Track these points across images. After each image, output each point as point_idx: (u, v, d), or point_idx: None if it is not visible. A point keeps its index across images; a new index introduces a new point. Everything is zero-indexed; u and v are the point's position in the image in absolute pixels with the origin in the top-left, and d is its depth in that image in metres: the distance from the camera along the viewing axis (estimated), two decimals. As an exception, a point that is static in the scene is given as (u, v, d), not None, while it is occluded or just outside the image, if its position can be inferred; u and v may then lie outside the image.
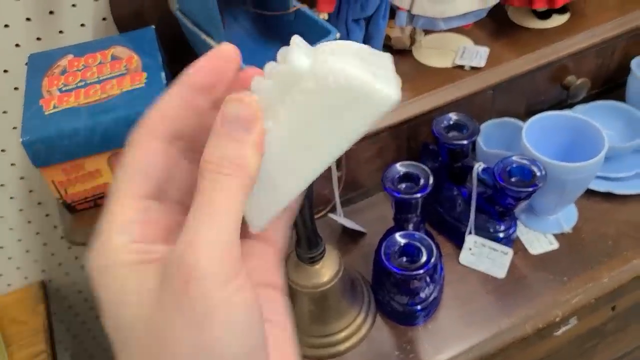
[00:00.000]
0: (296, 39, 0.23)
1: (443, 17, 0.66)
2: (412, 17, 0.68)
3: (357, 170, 0.73)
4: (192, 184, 0.22)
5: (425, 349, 0.62)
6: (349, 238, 0.74)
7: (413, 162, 0.63)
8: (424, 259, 0.56)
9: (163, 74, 0.59)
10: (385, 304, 0.64)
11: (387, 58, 0.24)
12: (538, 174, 0.60)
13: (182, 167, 0.23)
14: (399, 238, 0.58)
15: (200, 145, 0.22)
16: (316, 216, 0.74)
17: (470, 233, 0.68)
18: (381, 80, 0.22)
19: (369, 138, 0.70)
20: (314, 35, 0.59)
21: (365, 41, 0.69)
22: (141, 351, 0.20)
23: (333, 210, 0.73)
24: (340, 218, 0.72)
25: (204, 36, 0.59)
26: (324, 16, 0.63)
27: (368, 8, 0.63)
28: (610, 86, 0.85)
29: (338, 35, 0.59)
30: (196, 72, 0.23)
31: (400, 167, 0.62)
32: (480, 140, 0.73)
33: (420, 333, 0.63)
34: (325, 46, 0.23)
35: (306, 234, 0.55)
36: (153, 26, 0.66)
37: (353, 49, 0.23)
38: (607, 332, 0.78)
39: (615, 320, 0.77)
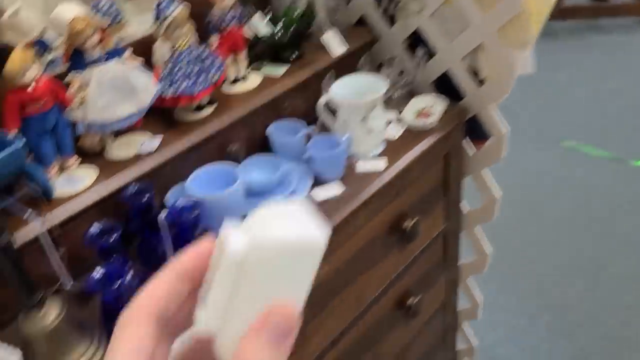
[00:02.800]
0: (227, 226, 0.27)
1: (110, 121, 0.93)
2: (88, 126, 0.93)
3: (78, 246, 0.92)
4: None
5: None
6: (84, 300, 0.91)
7: (103, 221, 0.85)
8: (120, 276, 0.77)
9: None
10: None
11: (304, 203, 0.28)
12: (194, 203, 0.87)
13: (162, 349, 0.26)
14: (99, 268, 0.78)
15: (176, 328, 0.26)
16: (50, 290, 0.91)
17: (172, 265, 0.91)
18: (308, 229, 0.27)
19: (79, 218, 0.91)
20: (5, 148, 0.80)
21: (58, 146, 0.91)
22: None
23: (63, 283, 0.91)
24: (68, 285, 0.89)
25: None
26: (14, 132, 0.84)
27: (47, 124, 0.87)
28: (264, 147, 1.19)
29: (21, 144, 0.81)
30: (186, 259, 0.27)
31: (94, 228, 0.84)
32: (170, 201, 0.99)
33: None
34: (254, 217, 0.27)
35: (23, 283, 0.72)
36: None
37: (277, 210, 0.27)
38: (305, 316, 1.05)
39: (307, 306, 1.04)
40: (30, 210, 0.85)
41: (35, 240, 0.85)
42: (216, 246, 0.27)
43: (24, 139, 0.82)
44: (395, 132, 1.21)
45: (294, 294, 0.27)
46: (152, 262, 0.94)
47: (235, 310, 0.26)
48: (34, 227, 0.84)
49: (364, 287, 1.19)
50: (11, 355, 0.63)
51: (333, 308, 1.11)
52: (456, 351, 1.77)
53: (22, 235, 0.83)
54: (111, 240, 0.81)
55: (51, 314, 0.76)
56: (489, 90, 1.23)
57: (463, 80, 1.26)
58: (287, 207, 0.27)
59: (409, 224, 1.20)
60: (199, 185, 0.93)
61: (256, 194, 1.04)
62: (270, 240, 0.26)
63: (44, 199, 0.88)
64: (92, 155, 1.01)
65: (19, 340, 0.77)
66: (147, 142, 1.02)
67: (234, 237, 0.26)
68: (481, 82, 1.26)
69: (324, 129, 1.17)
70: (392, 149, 1.17)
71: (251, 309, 0.26)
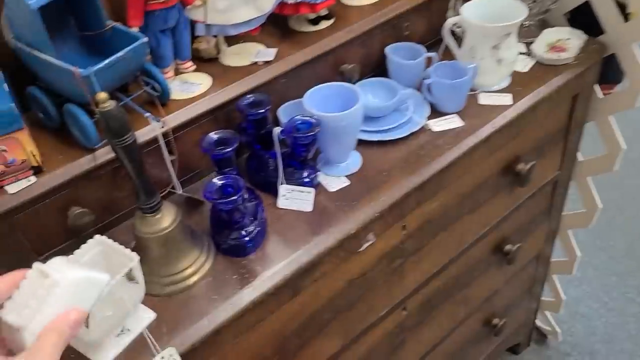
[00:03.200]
0: (37, 266, 0.46)
1: (230, 24, 0.87)
2: (208, 27, 0.88)
3: (188, 154, 0.90)
4: None
5: (257, 270, 0.79)
6: (191, 208, 0.90)
7: (223, 130, 0.81)
8: (235, 191, 0.74)
9: (5, 85, 0.73)
10: (222, 244, 0.81)
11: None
12: (314, 122, 0.82)
13: None
14: (216, 180, 0.75)
15: None
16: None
17: (282, 184, 0.88)
18: (93, 273, 0.49)
19: (193, 125, 0.88)
20: (129, 43, 0.77)
21: (175, 48, 0.88)
22: None
23: (174, 189, 0.90)
24: (179, 191, 0.88)
25: (37, 53, 0.75)
26: (135, 29, 0.81)
27: (169, 21, 0.82)
28: (379, 70, 1.12)
29: (146, 39, 0.77)
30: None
31: (213, 135, 0.81)
32: (280, 116, 0.94)
33: (252, 261, 0.81)
34: (58, 264, 0.48)
35: (142, 185, 0.71)
36: (-8, 55, 0.80)
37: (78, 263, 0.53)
38: (407, 251, 1.01)
39: (411, 240, 1.00)
40: (148, 111, 0.83)
41: (152, 142, 0.83)
42: (32, 274, 0.46)
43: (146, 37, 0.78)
44: (523, 65, 1.10)
45: (82, 307, 0.47)
46: (259, 178, 0.91)
47: (41, 314, 0.44)
48: (153, 128, 0.82)
49: (467, 227, 1.13)
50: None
51: (433, 246, 1.06)
52: (539, 302, 1.70)
53: (140, 136, 0.82)
54: (229, 151, 0.78)
55: (166, 219, 0.75)
56: (634, 27, 1.09)
57: (607, 13, 1.11)
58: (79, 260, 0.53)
59: (523, 167, 1.12)
60: (315, 103, 0.88)
61: (370, 119, 0.98)
62: (74, 274, 0.47)
63: (160, 101, 0.85)
64: (206, 61, 0.97)
65: (133, 239, 0.77)
66: (262, 51, 0.97)
67: (52, 269, 0.46)
68: (626, 18, 1.11)
69: (447, 55, 1.08)
70: (519, 84, 1.06)
71: (52, 314, 0.45)
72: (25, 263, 0.53)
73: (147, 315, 0.70)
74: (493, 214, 1.18)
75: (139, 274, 0.60)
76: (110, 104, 0.63)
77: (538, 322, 1.80)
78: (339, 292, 0.92)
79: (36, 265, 0.46)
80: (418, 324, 1.19)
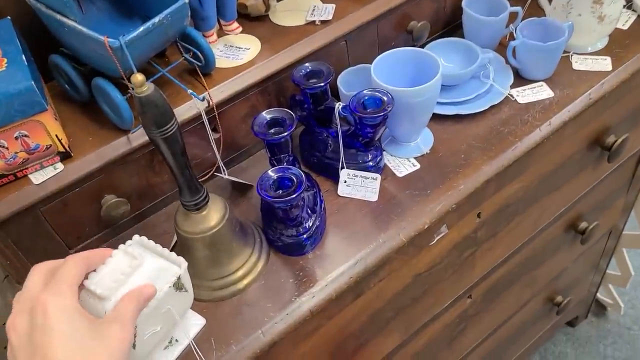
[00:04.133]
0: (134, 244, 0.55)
1: (285, -24, 0.73)
2: (257, -20, 0.74)
3: (234, 130, 0.79)
4: None
5: (316, 273, 0.69)
6: (238, 193, 0.79)
7: (277, 108, 0.69)
8: (295, 186, 0.62)
9: (24, 57, 0.61)
10: (275, 241, 0.70)
11: None
12: (386, 99, 0.69)
13: None
14: (271, 173, 0.64)
15: None
16: (202, 179, 0.79)
17: (342, 167, 0.76)
18: (168, 262, 0.55)
19: (240, 98, 0.76)
20: (168, 5, 0.64)
21: (218, 6, 0.74)
22: None
23: (218, 171, 0.78)
24: (224, 175, 0.77)
25: (59, 17, 0.62)
26: (174, -14, 0.67)
27: (213, -25, 0.69)
28: (450, 27, 0.96)
29: (187, 0, 0.64)
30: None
31: (266, 114, 0.68)
32: (340, 86, 0.81)
33: (310, 260, 0.70)
34: (137, 248, 0.55)
35: (185, 182, 0.60)
36: (9, 17, 0.68)
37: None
38: (480, 239, 0.89)
39: (485, 228, 0.88)
40: (189, 86, 0.71)
41: (194, 119, 0.72)
42: (118, 253, 0.52)
43: (187, -4, 0.65)
44: (623, 21, 0.93)
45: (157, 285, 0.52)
46: (314, 158, 0.79)
47: (123, 289, 0.50)
48: (194, 104, 0.70)
49: (545, 208, 0.99)
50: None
51: (508, 231, 0.94)
52: (604, 276, 1.58)
53: (179, 114, 0.70)
54: (285, 135, 0.66)
55: (214, 216, 0.64)
56: None
57: None
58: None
59: (612, 140, 0.97)
60: (382, 72, 0.74)
61: (442, 88, 0.84)
62: (152, 259, 0.54)
63: (202, 71, 0.73)
64: (253, 20, 0.83)
65: (174, 229, 0.67)
66: (319, 7, 0.82)
67: (136, 252, 0.53)
68: None
69: (534, 9, 0.91)
70: (619, 44, 0.90)
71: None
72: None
73: (197, 322, 0.64)
74: (573, 192, 1.04)
75: (187, 282, 0.57)
76: (149, 88, 0.51)
77: (599, 295, 1.68)
78: (403, 289, 0.81)
79: (122, 246, 0.52)
80: (480, 311, 1.08)
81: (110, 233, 0.74)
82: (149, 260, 0.54)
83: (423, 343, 0.98)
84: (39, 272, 0.46)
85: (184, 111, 0.70)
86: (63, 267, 0.46)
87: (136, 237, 0.56)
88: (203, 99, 0.70)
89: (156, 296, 0.52)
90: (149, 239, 0.56)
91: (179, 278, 0.55)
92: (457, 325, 1.04)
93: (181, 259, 0.55)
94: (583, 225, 1.14)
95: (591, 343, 1.67)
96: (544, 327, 1.47)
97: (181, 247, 0.67)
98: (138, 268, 0.52)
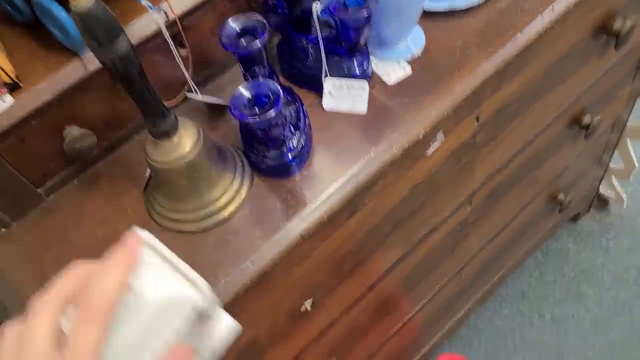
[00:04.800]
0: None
1: None
2: None
3: (204, 45, 0.71)
4: None
5: (305, 195, 0.64)
6: (214, 114, 0.73)
7: (246, 14, 0.61)
8: (272, 102, 0.56)
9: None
10: (259, 164, 0.65)
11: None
12: (368, -3, 0.60)
13: None
14: (243, 89, 0.57)
15: None
16: (174, 102, 0.72)
17: (326, 76, 0.69)
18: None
19: (205, 6, 0.67)
20: None
21: None
22: None
23: (190, 92, 0.71)
24: (197, 95, 0.70)
25: None
26: None
27: None
28: None
29: None
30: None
31: (233, 23, 0.60)
32: (318, -15, 0.72)
33: (297, 182, 0.65)
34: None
35: (148, 107, 0.53)
36: None
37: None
38: (479, 144, 0.83)
39: (484, 131, 0.82)
40: (144, -5, 0.62)
41: (155, 35, 0.64)
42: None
43: None
44: None
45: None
46: (294, 70, 0.72)
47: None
48: (152, 17, 0.62)
49: (548, 105, 0.93)
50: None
51: (509, 133, 0.88)
52: (607, 169, 1.54)
53: (136, 30, 0.62)
54: (257, 46, 0.58)
55: (186, 142, 0.58)
56: None
57: None
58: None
59: (620, 25, 0.89)
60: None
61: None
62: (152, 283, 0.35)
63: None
64: None
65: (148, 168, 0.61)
66: None
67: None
68: None
69: None
70: None
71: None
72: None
73: (227, 325, 0.40)
74: (577, 85, 0.97)
75: (213, 307, 0.37)
76: (88, 2, 0.43)
77: (601, 189, 1.65)
78: (400, 201, 0.77)
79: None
80: (481, 216, 1.05)
81: (79, 168, 0.68)
82: (150, 287, 0.35)
83: (424, 252, 0.96)
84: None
85: (141, 26, 0.62)
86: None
87: (145, 234, 0.37)
88: (161, 12, 0.61)
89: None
90: (161, 243, 0.37)
91: (202, 311, 0.36)
92: (458, 232, 1.01)
93: (203, 281, 0.36)
94: (587, 119, 1.08)
95: (593, 237, 1.66)
96: (547, 225, 1.45)
97: (156, 179, 0.62)
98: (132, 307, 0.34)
